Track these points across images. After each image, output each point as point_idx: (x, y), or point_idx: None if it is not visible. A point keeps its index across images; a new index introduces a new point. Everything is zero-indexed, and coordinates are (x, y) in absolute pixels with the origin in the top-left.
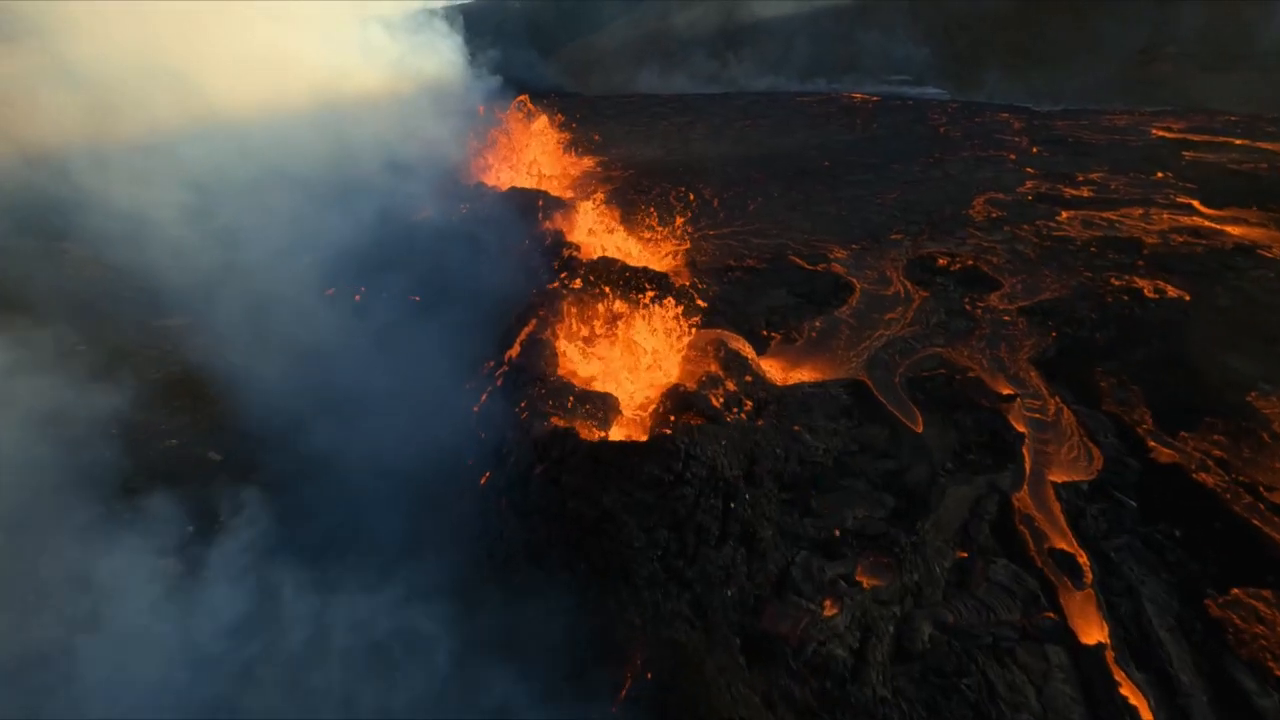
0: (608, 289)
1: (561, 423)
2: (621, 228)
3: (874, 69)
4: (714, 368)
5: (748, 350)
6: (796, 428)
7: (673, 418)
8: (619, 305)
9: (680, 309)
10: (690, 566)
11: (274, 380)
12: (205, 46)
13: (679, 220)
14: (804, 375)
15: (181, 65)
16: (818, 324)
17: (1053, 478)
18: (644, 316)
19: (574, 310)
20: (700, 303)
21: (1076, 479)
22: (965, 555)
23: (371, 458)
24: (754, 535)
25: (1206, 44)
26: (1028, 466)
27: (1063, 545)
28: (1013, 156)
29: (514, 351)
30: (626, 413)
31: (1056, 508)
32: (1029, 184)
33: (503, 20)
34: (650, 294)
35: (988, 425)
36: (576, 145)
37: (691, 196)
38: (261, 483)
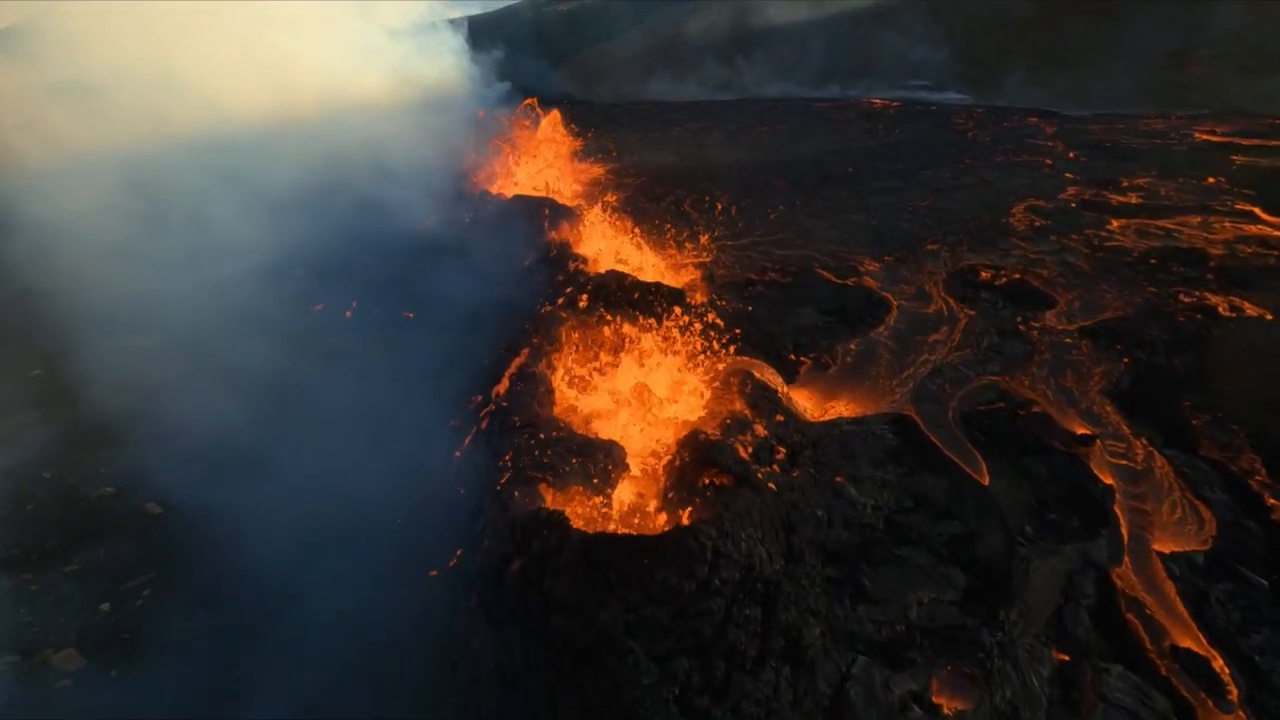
0: (612, 315)
1: (548, 495)
2: (632, 238)
3: (891, 74)
4: (739, 405)
5: (776, 381)
6: (839, 479)
7: (692, 476)
8: (628, 329)
9: (697, 328)
10: (719, 704)
11: (238, 414)
12: (198, 50)
13: (695, 230)
14: (841, 409)
15: (167, 68)
16: (852, 347)
17: (1158, 547)
18: (656, 341)
19: (575, 336)
20: (719, 322)
21: (1188, 548)
22: (1067, 659)
23: (331, 515)
24: (799, 640)
25: (1241, 46)
26: (1125, 531)
27: (1189, 644)
28: (1048, 161)
29: (502, 387)
30: (635, 466)
31: (1170, 588)
32: (1070, 190)
33: (512, 30)
34: (664, 314)
35: (1066, 475)
36: (586, 152)
37: (708, 204)
38: (192, 551)
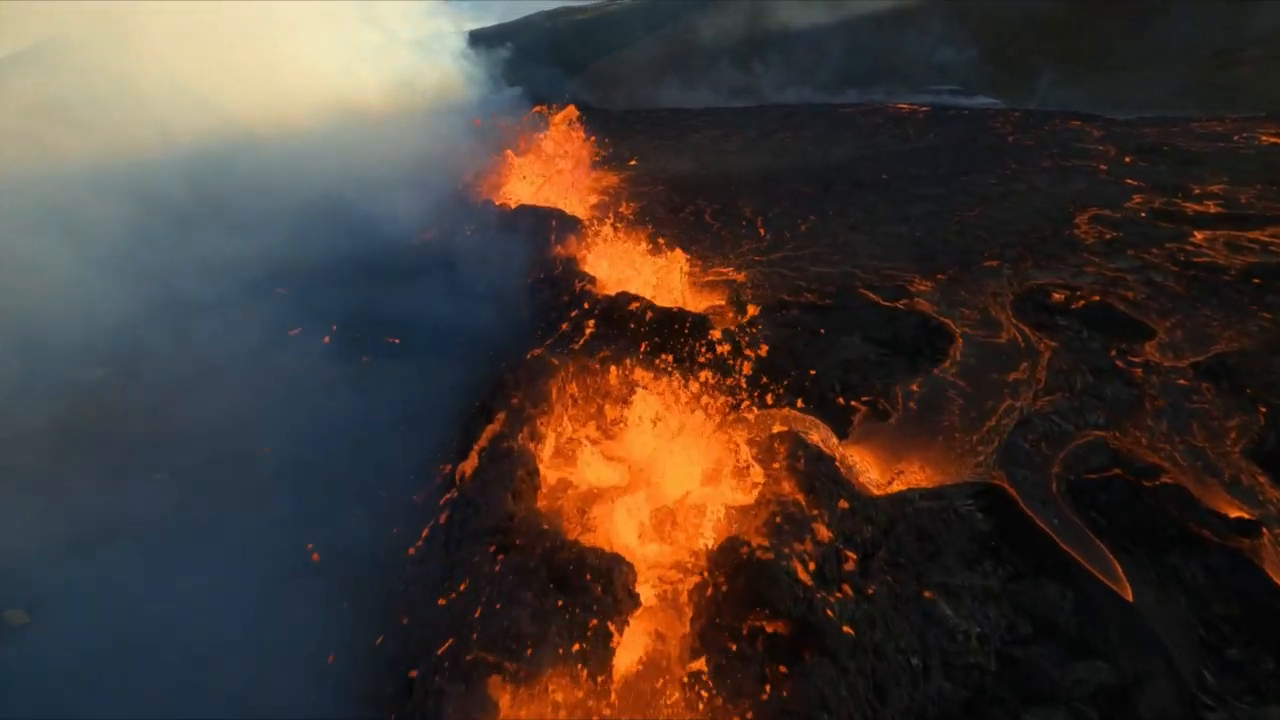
0: (620, 354)
1: (506, 696)
2: (648, 253)
3: (916, 79)
4: (789, 486)
5: (831, 443)
6: (927, 594)
7: (735, 620)
8: (639, 373)
9: (726, 368)
10: None
11: (163, 491)
12: (195, 55)
13: (718, 244)
14: (913, 476)
15: (155, 76)
16: (915, 388)
17: None
18: (675, 390)
19: (572, 388)
20: (751, 354)
21: None
22: None
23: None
24: None
25: None
26: None
27: None
28: (1103, 167)
29: (470, 464)
30: (645, 593)
31: None
32: (1136, 198)
33: (527, 39)
34: (684, 350)
35: (1233, 583)
36: (600, 159)
37: (731, 215)
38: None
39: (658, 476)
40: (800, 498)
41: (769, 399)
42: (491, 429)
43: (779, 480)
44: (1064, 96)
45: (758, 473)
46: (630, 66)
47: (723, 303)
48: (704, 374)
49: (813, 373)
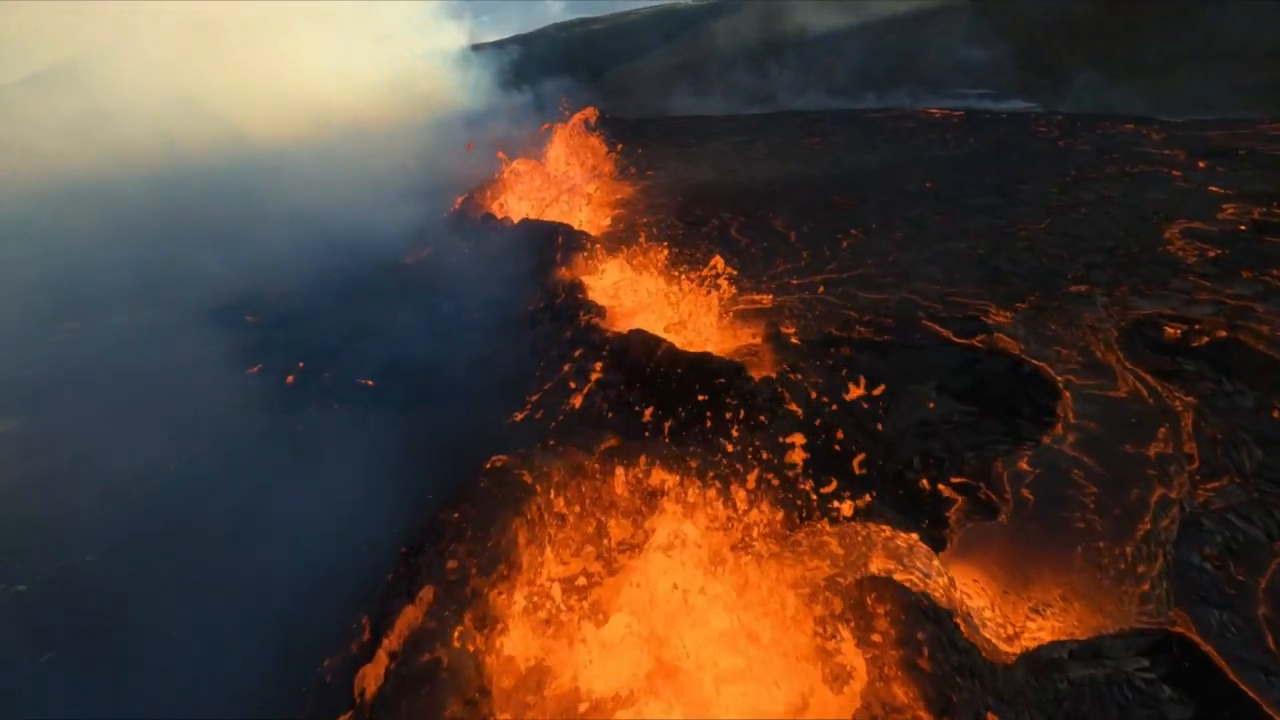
0: (622, 457)
1: None
2: (668, 278)
3: (942, 82)
4: (896, 685)
5: (940, 585)
6: None
7: None
8: (658, 475)
9: (775, 425)
10: None
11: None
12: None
13: (749, 264)
14: (1054, 619)
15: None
16: (1023, 465)
17: None
18: (709, 498)
19: (559, 503)
20: (797, 409)
21: None
22: None
23: None
24: None
25: None
26: None
27: None
28: (1176, 173)
29: (371, 682)
30: None
31: None
32: (1229, 208)
33: (541, 50)
34: (714, 417)
35: None
36: (614, 168)
37: (762, 229)
38: None
39: (693, 667)
40: (907, 695)
41: (833, 486)
42: (411, 614)
43: (887, 680)
44: (1107, 98)
45: (851, 661)
46: (644, 75)
47: (758, 340)
48: (740, 474)
49: (883, 442)
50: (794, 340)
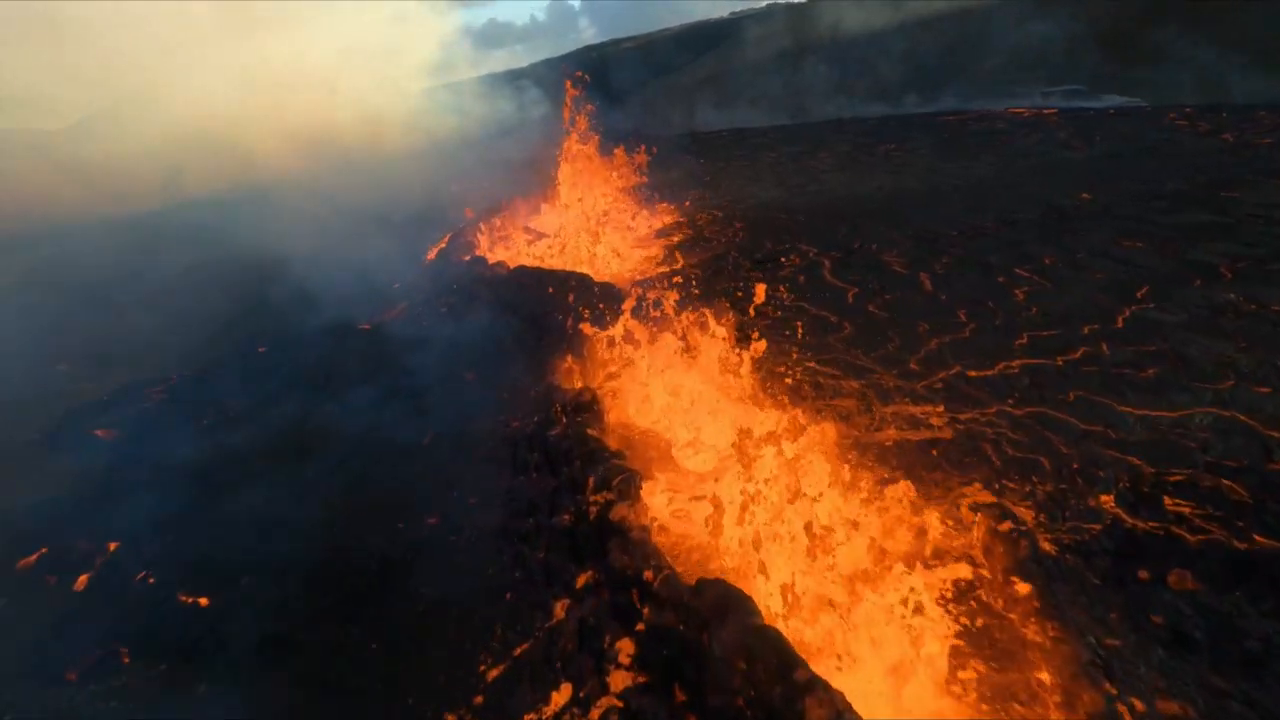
0: None
1: None
2: (751, 396)
3: (1016, 80)
4: None
5: None
6: None
7: None
8: None
9: None
10: None
11: None
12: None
13: (871, 337)
14: None
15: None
16: None
17: None
18: None
19: None
20: None
21: None
22: None
23: None
24: None
25: None
26: None
27: None
28: None
29: None
30: None
31: None
32: None
33: (571, 68)
34: None
35: None
36: (648, 190)
37: (876, 272)
38: None
39: None
40: None
41: None
42: None
43: None
44: (1243, 88)
45: None
46: (681, 89)
47: (967, 572)
48: None
49: None
50: (1027, 554)
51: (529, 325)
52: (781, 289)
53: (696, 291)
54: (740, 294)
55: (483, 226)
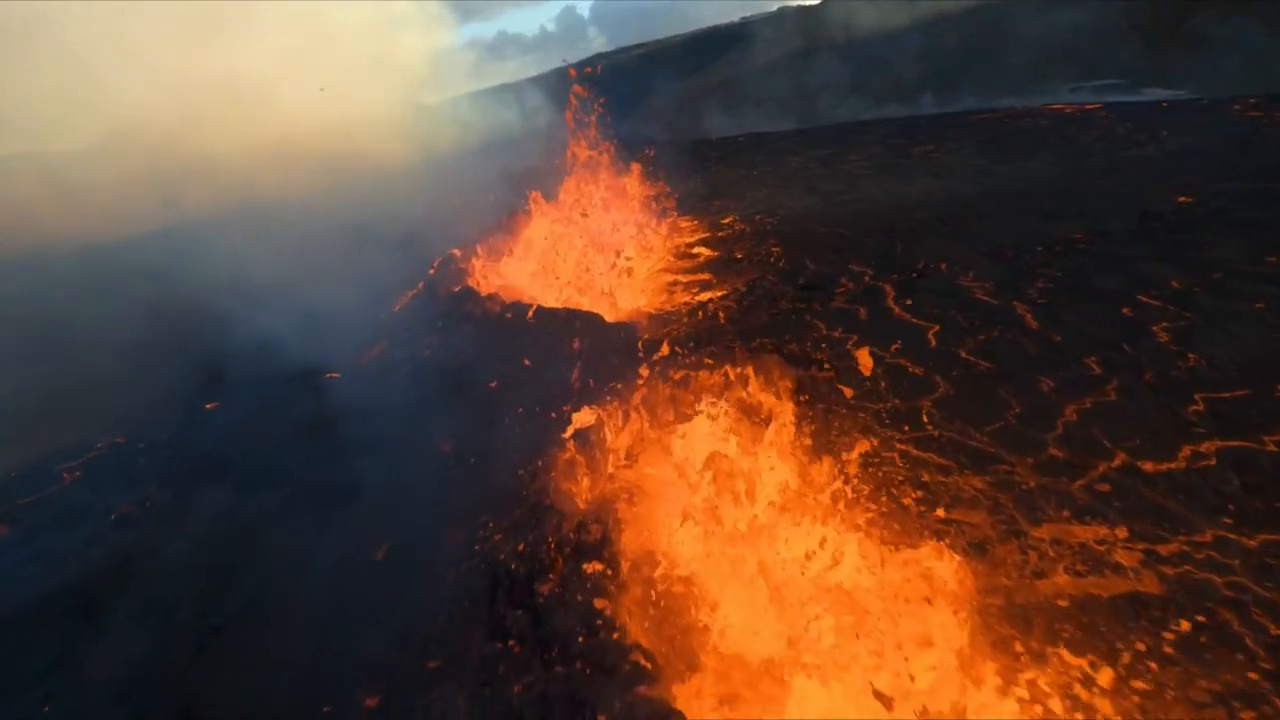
0: None
1: None
2: (782, 444)
3: (1048, 76)
4: None
5: None
6: None
7: None
8: None
9: None
10: None
11: None
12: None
13: (948, 394)
14: None
15: None
16: None
17: None
18: None
19: None
20: None
21: None
22: None
23: None
24: None
25: None
26: None
27: None
28: None
29: None
30: None
31: None
32: None
33: (577, 83)
34: None
35: None
36: (663, 200)
37: (954, 299)
38: None
39: None
40: None
41: None
42: None
43: None
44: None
45: None
46: (692, 94)
47: None
48: None
49: None
50: None
51: (526, 378)
52: (837, 330)
53: (734, 343)
54: (791, 339)
55: (479, 249)
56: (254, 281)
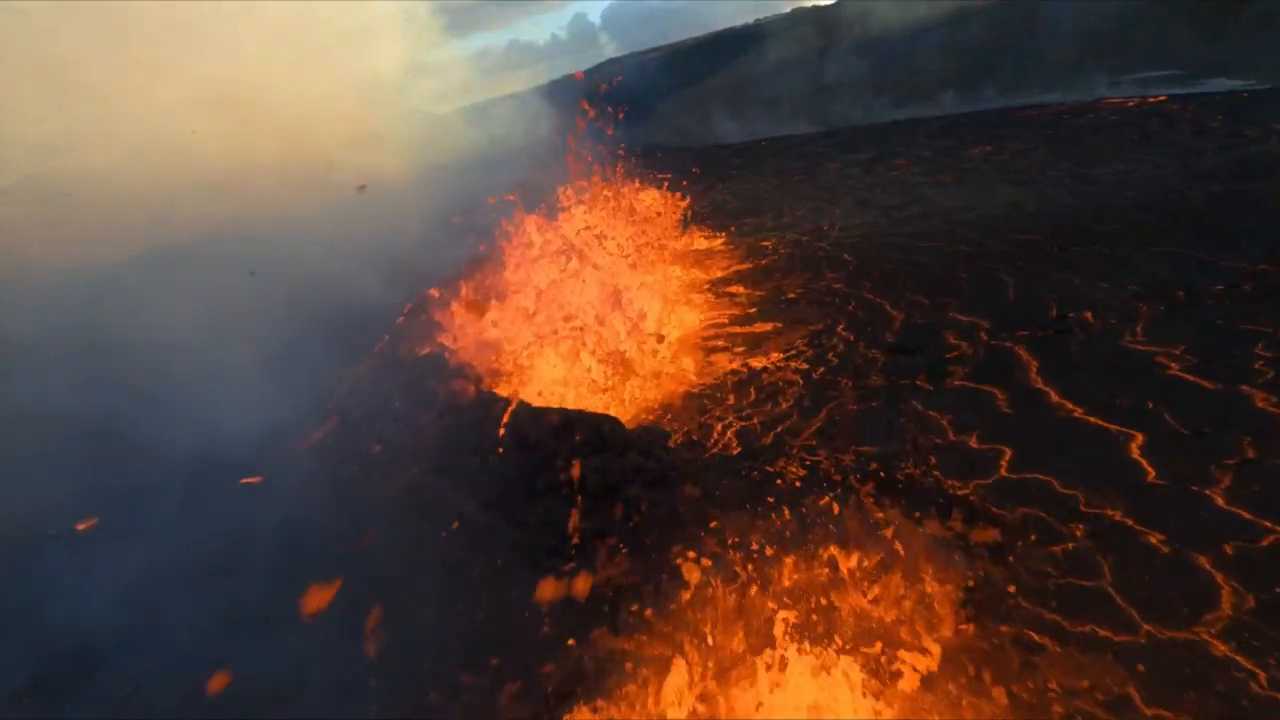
0: None
1: None
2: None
3: (1085, 69)
4: None
5: None
6: None
7: None
8: None
9: None
10: None
11: None
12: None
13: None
14: None
15: None
16: None
17: None
18: None
19: None
20: None
21: None
22: None
23: None
24: None
25: None
26: None
27: None
28: None
29: None
30: None
31: None
32: None
33: (588, 86)
34: None
35: None
36: (690, 217)
37: (1119, 380)
38: None
39: None
40: None
41: None
42: None
43: None
44: None
45: None
46: (707, 98)
47: None
48: None
49: None
50: None
51: (490, 527)
52: (972, 436)
53: (828, 477)
54: (910, 456)
55: (463, 288)
56: (183, 327)
